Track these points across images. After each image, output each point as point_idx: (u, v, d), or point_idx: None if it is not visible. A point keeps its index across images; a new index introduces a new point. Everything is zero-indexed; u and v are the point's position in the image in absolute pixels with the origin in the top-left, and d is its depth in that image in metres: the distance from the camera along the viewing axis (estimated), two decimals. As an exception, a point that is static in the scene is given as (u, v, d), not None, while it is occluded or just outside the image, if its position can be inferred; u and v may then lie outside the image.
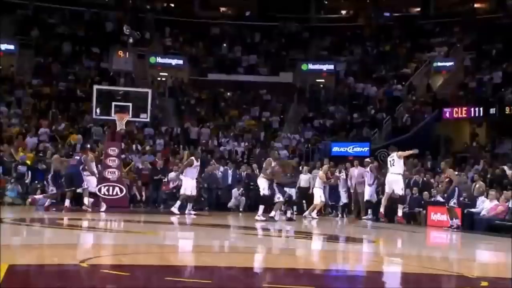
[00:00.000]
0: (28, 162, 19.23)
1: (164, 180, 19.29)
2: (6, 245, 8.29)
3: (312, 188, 17.40)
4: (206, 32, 32.87)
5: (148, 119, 20.13)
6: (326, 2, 36.41)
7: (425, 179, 17.83)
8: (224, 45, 32.33)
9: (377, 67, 30.40)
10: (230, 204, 19.27)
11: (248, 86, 29.60)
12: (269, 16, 33.38)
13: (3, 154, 19.40)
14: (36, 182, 18.43)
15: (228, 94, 29.30)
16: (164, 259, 7.69)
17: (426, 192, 16.73)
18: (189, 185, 15.82)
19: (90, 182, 15.49)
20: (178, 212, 15.55)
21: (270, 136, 25.69)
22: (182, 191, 16.02)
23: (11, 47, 28.57)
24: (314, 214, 16.58)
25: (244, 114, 27.47)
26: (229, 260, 8.06)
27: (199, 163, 16.16)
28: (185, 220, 14.71)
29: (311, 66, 30.97)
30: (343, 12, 36.15)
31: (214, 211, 18.50)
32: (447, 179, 14.46)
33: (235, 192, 19.39)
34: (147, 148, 22.15)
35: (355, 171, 17.72)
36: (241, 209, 19.10)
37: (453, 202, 14.12)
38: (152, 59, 30.48)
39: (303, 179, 18.20)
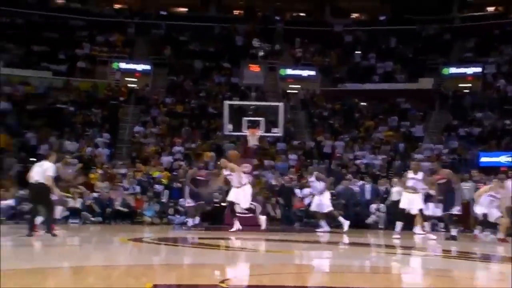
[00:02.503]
0: (164, 181, 20.32)
1: (298, 197, 19.49)
2: (149, 265, 8.83)
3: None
4: (338, 41, 32.89)
5: (280, 134, 20.42)
6: (470, 0, 34.95)
7: None
8: (357, 52, 32.13)
9: (532, 67, 28.61)
10: (369, 221, 19.02)
11: (385, 94, 29.10)
12: (405, 19, 32.70)
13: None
14: (172, 201, 19.40)
15: (363, 104, 29.01)
16: (302, 280, 7.74)
17: None
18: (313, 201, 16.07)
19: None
20: (320, 231, 15.68)
21: (410, 147, 25.02)
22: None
23: (147, 67, 30.55)
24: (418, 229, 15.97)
25: (381, 124, 27.03)
26: (368, 281, 7.93)
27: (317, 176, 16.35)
28: (321, 239, 14.72)
29: (453, 70, 29.86)
30: (490, 9, 34.48)
31: (352, 228, 18.36)
32: None
33: (374, 207, 19.10)
34: (279, 163, 22.49)
35: (509, 183, 16.70)
36: (381, 226, 18.76)
37: None
38: (282, 71, 31.02)
39: (395, 192, 17.76)
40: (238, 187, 14.89)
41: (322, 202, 16.44)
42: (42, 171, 12.39)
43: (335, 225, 17.22)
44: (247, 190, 15.00)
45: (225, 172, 14.96)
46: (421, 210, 14.76)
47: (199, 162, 22.65)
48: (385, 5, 35.06)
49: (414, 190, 14.55)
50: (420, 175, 14.52)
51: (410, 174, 14.63)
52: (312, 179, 16.75)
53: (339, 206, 19.38)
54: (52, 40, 30.58)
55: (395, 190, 17.83)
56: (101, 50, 30.89)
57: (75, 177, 16.66)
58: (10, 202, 18.11)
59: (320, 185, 16.51)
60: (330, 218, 16.99)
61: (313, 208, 16.75)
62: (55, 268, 8.35)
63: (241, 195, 14.89)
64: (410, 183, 14.54)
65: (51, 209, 12.83)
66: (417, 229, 15.55)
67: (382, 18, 34.75)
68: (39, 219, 13.33)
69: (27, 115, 25.33)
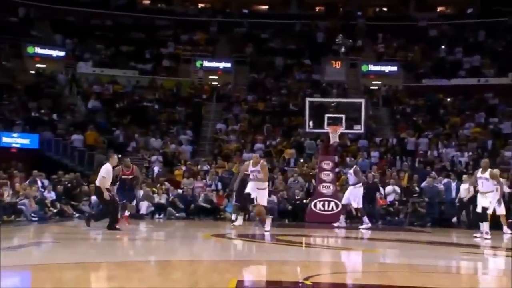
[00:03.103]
0: (246, 177, 20.56)
1: (381, 195, 19.25)
2: (232, 261, 9.04)
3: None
4: (422, 35, 32.18)
5: (362, 131, 20.20)
6: None
7: None
8: (443, 47, 31.29)
9: None
10: (454, 220, 18.53)
11: (471, 90, 28.21)
12: (495, 12, 31.49)
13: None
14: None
15: (448, 100, 28.24)
16: (386, 278, 7.69)
17: None
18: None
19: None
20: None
21: (499, 144, 24.14)
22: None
23: (228, 65, 31.01)
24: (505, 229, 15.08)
25: (467, 121, 26.23)
26: (449, 282, 7.77)
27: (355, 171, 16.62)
28: (405, 237, 14.50)
29: (547, 64, 28.52)
30: None
31: (437, 227, 17.98)
32: None
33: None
34: (361, 160, 22.27)
35: None
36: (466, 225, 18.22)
37: None
38: (364, 68, 30.68)
39: (462, 189, 17.20)
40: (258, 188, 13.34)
41: (350, 195, 16.43)
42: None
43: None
44: (265, 193, 13.56)
45: (251, 168, 13.43)
46: (484, 209, 14.00)
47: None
48: (474, -3, 33.97)
49: (485, 190, 13.72)
50: (487, 173, 13.61)
51: (478, 173, 13.78)
52: (350, 171, 16.75)
53: (423, 203, 19.04)
54: (139, 40, 31.62)
55: (463, 187, 17.29)
56: (185, 48, 31.63)
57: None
58: (100, 197, 18.86)
59: (353, 179, 16.49)
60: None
61: (343, 201, 16.81)
62: (142, 261, 8.70)
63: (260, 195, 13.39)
64: (479, 182, 13.74)
65: (111, 207, 13.03)
66: (504, 228, 15.08)
67: (469, 11, 33.67)
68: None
69: (115, 113, 26.32)
